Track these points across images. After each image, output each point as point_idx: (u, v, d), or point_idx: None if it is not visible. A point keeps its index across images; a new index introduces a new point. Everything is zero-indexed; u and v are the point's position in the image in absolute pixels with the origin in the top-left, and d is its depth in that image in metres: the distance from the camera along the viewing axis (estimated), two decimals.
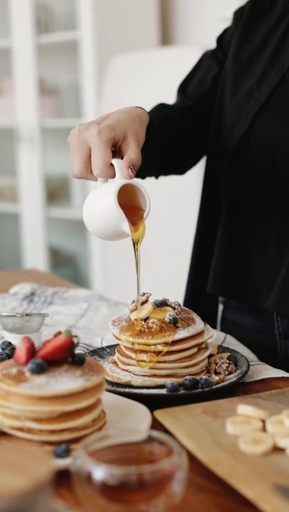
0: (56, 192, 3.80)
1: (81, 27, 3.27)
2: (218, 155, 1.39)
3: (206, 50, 1.49)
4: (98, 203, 1.09)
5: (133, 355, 1.06)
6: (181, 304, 1.11)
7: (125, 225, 1.06)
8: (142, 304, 1.09)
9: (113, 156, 1.08)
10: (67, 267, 3.95)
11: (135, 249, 1.08)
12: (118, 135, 1.09)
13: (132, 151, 1.10)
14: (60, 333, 0.88)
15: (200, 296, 1.44)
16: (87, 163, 1.09)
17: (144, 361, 1.04)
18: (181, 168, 1.47)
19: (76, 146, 1.09)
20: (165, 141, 1.32)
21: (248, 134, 1.32)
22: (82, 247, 3.79)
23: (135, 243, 1.08)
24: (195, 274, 1.45)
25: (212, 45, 1.50)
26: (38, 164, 3.66)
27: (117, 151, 1.11)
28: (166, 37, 3.49)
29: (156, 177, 1.42)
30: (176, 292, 1.45)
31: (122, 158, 1.10)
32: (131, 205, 1.09)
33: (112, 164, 1.08)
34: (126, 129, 1.11)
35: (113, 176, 1.08)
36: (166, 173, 1.44)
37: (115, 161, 1.08)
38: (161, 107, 1.42)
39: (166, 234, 2.78)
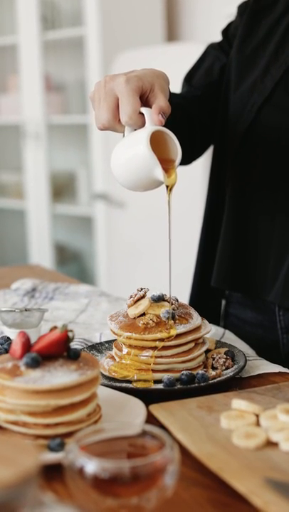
0: (62, 188, 3.80)
1: (87, 23, 3.27)
2: (224, 146, 1.40)
3: (210, 42, 1.49)
4: (129, 151, 1.07)
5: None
6: (188, 299, 1.11)
7: (158, 170, 1.04)
8: (139, 299, 1.09)
9: None
10: (73, 264, 3.95)
11: (168, 195, 1.08)
12: (146, 85, 1.09)
13: (161, 100, 1.09)
14: (55, 327, 0.88)
15: (206, 291, 1.44)
16: (115, 111, 1.08)
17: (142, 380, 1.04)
18: (187, 157, 1.46)
19: (102, 97, 1.08)
20: (178, 121, 1.31)
21: (252, 127, 1.32)
22: (88, 244, 3.79)
23: (169, 189, 1.07)
24: (201, 270, 1.45)
25: (217, 41, 1.49)
26: (44, 161, 3.66)
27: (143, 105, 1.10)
28: (171, 33, 3.48)
29: None
30: (183, 288, 1.45)
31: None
32: (160, 157, 1.06)
33: (140, 113, 1.06)
34: (153, 81, 1.10)
35: (142, 125, 1.07)
36: None
37: (144, 109, 1.07)
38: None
39: (173, 230, 2.77)
